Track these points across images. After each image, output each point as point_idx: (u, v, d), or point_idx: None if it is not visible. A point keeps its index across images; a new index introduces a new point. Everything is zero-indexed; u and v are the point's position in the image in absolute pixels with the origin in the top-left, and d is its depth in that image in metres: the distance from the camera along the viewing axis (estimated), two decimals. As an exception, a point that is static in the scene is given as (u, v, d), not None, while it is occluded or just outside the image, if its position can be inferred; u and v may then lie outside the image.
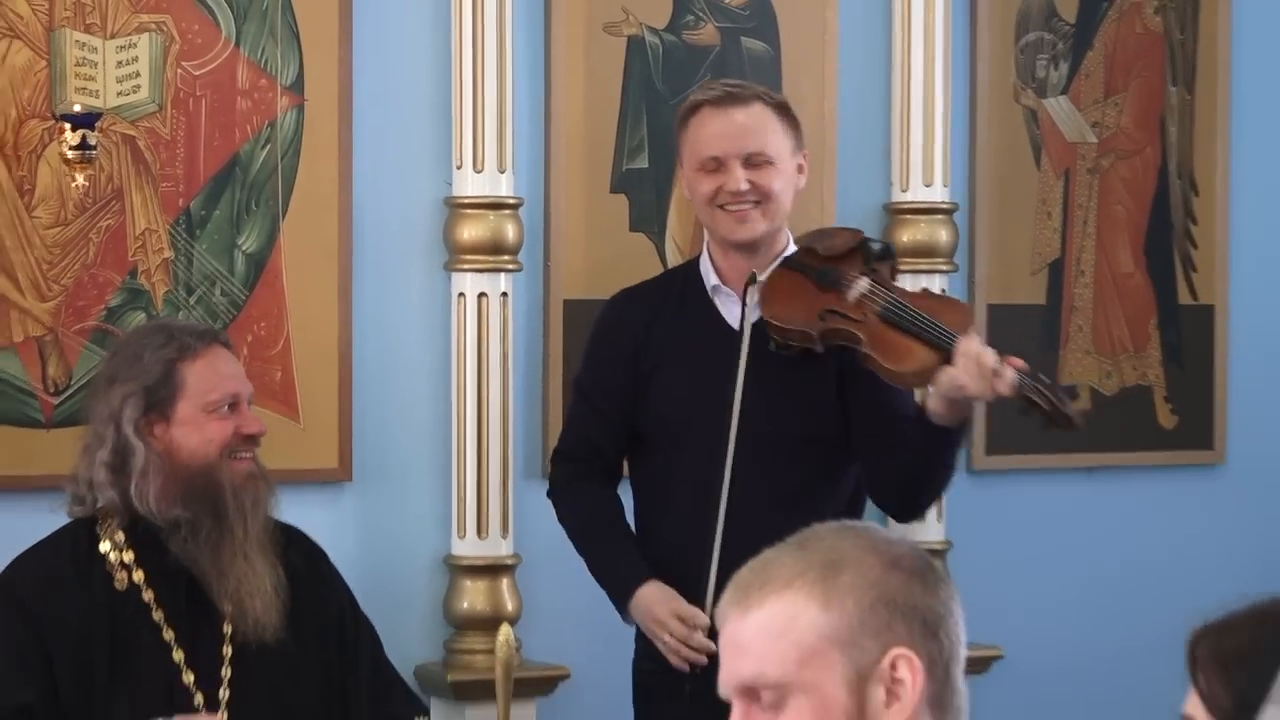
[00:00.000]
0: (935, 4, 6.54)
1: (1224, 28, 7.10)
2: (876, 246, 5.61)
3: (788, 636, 2.75)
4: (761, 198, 5.34)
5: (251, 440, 5.18)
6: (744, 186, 5.35)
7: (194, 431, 5.04)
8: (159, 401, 5.02)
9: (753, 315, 5.36)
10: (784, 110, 5.54)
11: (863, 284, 5.28)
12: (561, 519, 5.72)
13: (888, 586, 2.76)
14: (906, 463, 5.41)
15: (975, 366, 5.01)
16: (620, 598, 5.54)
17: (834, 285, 5.34)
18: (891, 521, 5.96)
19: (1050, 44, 6.87)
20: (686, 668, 5.33)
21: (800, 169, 5.52)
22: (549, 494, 5.83)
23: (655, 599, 5.41)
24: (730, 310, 5.50)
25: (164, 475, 5.01)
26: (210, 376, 5.07)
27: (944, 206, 6.59)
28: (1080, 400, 5.55)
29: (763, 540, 2.94)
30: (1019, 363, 5.11)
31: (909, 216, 6.60)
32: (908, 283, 6.30)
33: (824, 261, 5.45)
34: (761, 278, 5.36)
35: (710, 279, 5.56)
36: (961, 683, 2.77)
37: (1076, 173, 6.95)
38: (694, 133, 5.53)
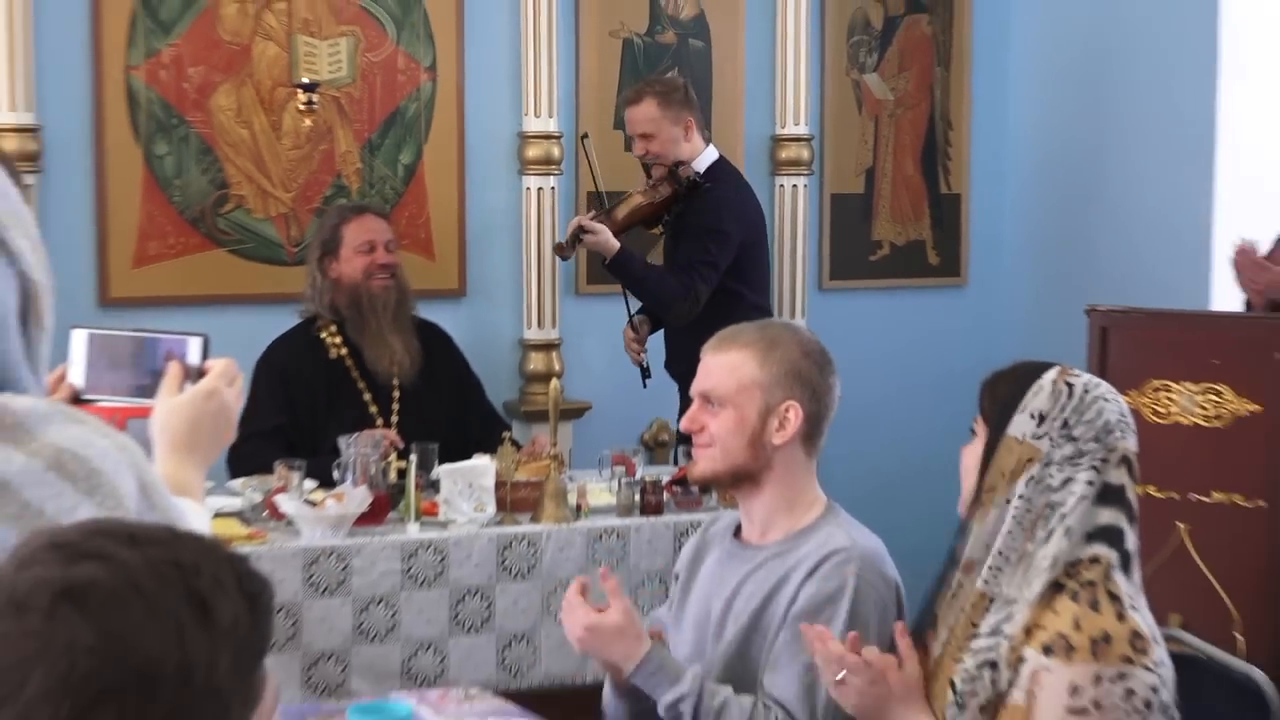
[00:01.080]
0: (801, 21, 6.77)
1: (965, 35, 7.21)
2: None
3: (734, 374, 3.25)
4: (653, 152, 5.92)
5: (384, 268, 5.55)
6: (642, 152, 5.98)
7: (347, 264, 5.51)
8: (331, 248, 5.54)
9: None
10: (665, 96, 5.96)
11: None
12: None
13: (799, 365, 3.24)
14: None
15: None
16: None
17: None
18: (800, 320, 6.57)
19: (867, 43, 7.13)
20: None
21: (687, 127, 5.95)
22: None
23: None
24: None
25: (334, 291, 5.51)
26: (358, 231, 5.54)
27: (805, 136, 6.91)
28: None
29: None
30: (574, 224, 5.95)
31: (786, 142, 6.91)
32: (786, 181, 6.95)
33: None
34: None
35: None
36: (825, 433, 3.33)
37: (881, 117, 7.21)
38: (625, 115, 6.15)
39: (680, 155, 5.99)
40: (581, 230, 5.84)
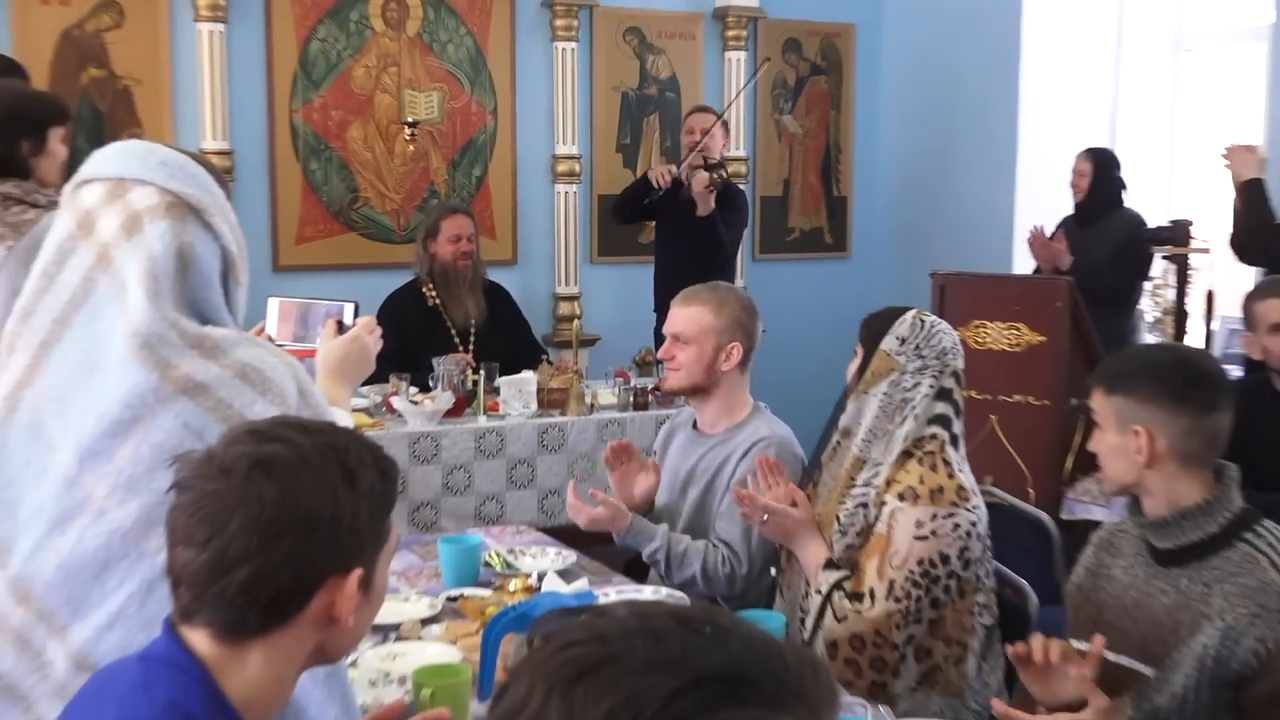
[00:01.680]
0: (741, 80, 6.60)
1: (849, 89, 7.06)
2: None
3: (696, 322, 3.23)
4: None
5: (465, 254, 5.36)
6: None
7: (441, 246, 5.34)
8: (432, 233, 5.36)
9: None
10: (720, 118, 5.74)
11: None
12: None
13: (740, 316, 3.23)
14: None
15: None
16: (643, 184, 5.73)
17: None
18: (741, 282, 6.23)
19: (784, 94, 6.96)
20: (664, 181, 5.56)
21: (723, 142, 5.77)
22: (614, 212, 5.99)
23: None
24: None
25: (432, 263, 5.34)
26: (451, 225, 5.35)
27: (743, 158, 6.71)
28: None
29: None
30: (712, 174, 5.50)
31: (732, 161, 6.43)
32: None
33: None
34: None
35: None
36: (753, 359, 3.30)
37: (794, 145, 7.04)
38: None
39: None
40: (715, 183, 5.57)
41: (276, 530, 1.33)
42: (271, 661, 1.37)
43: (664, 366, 3.33)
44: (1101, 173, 5.46)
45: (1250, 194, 4.57)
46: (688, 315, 3.25)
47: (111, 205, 1.70)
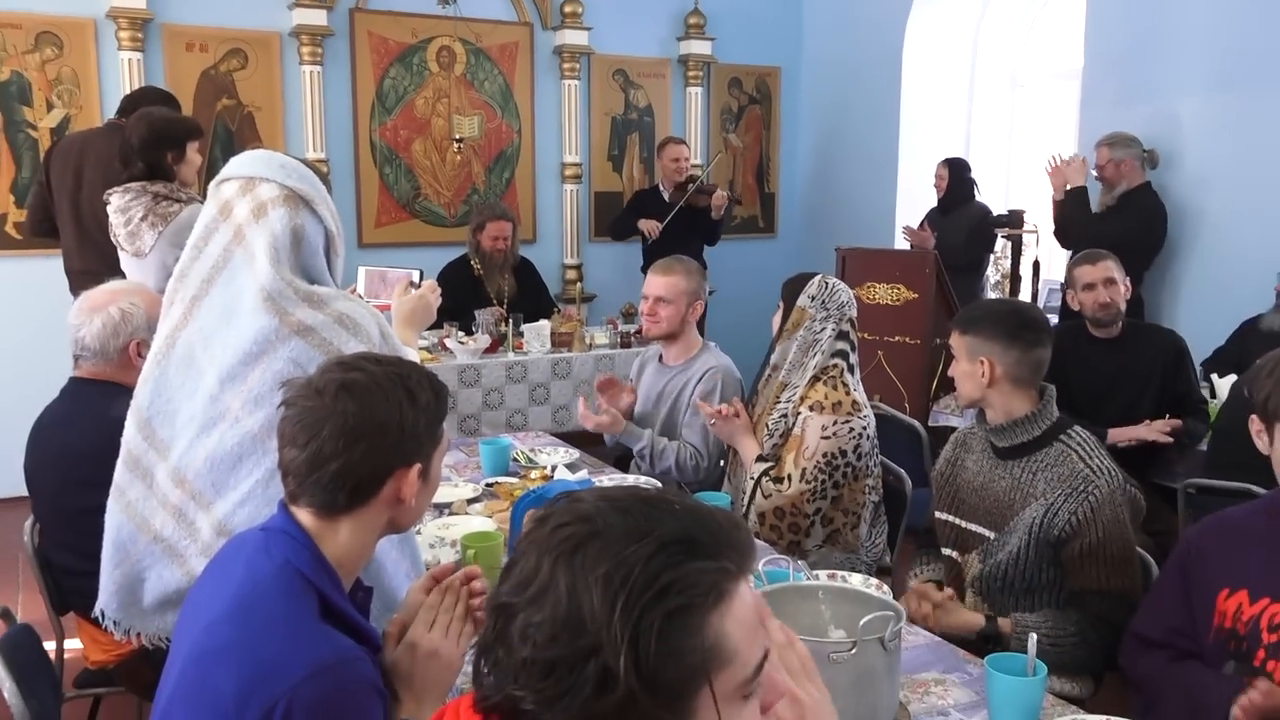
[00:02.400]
0: (699, 109, 6.49)
1: (776, 115, 6.84)
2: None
3: (674, 288, 3.17)
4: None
5: (500, 250, 5.11)
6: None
7: (485, 238, 5.10)
8: (480, 227, 5.13)
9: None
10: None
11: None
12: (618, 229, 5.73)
13: (699, 281, 3.19)
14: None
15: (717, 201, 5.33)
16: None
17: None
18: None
19: (731, 119, 6.71)
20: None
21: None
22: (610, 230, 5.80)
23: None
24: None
25: (477, 248, 5.13)
26: (494, 227, 5.09)
27: (701, 165, 6.35)
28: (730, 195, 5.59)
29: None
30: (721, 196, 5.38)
31: (693, 168, 6.08)
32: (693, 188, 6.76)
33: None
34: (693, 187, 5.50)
35: (664, 192, 5.65)
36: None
37: (738, 155, 6.82)
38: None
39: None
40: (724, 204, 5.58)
41: (356, 435, 1.32)
42: (356, 531, 1.35)
43: (644, 318, 3.24)
44: (956, 175, 5.38)
45: (1074, 198, 4.54)
46: (669, 282, 3.19)
47: (244, 196, 1.72)
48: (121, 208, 3.27)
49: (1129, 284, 3.36)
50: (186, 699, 1.21)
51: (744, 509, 2.64)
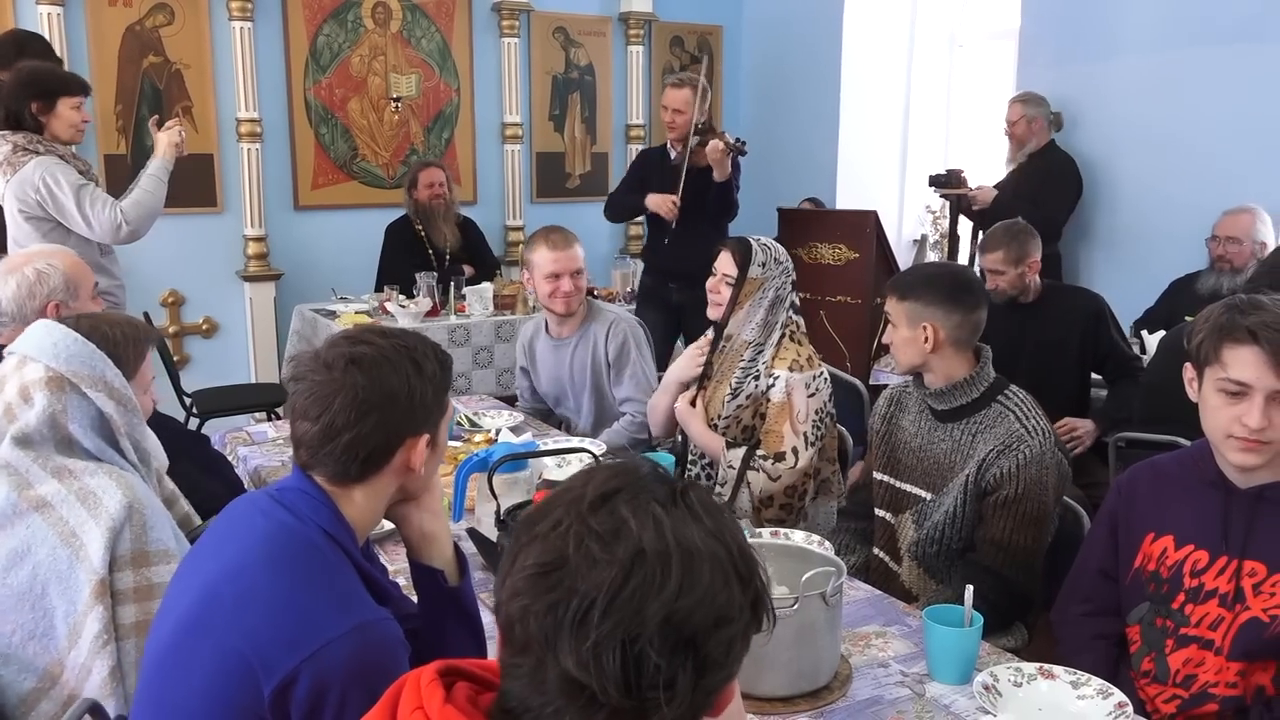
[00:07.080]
0: (639, 67, 6.32)
1: (719, 73, 6.68)
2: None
3: (580, 256, 3.12)
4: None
5: (438, 196, 5.04)
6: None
7: (420, 191, 5.11)
8: (414, 183, 5.14)
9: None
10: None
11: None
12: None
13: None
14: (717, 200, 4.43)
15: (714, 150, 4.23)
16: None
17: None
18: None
19: (671, 77, 6.26)
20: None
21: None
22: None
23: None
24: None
25: (415, 204, 5.12)
26: (426, 176, 5.14)
27: (641, 124, 6.36)
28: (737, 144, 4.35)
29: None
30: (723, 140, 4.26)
31: (634, 127, 6.36)
32: (634, 147, 6.28)
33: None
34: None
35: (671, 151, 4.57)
36: None
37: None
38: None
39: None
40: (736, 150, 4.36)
41: (367, 407, 1.34)
42: (369, 498, 1.38)
43: (563, 297, 3.12)
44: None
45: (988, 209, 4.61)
46: (577, 254, 3.13)
47: (14, 375, 1.70)
48: (-21, 153, 3.29)
49: (1033, 261, 3.31)
50: (206, 629, 1.22)
51: (728, 498, 2.52)
